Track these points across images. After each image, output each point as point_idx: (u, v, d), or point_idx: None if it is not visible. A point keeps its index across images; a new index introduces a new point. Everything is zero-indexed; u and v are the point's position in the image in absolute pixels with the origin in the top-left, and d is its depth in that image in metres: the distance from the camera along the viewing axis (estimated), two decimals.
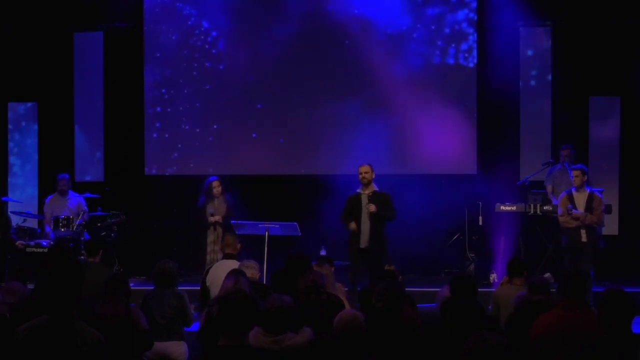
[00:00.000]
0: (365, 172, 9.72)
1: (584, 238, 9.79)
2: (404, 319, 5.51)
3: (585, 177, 9.95)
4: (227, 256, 7.89)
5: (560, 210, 9.98)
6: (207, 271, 7.82)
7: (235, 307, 4.27)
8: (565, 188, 10.28)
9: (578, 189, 9.91)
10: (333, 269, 7.76)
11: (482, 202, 11.20)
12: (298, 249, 9.41)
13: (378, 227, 9.61)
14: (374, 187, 9.78)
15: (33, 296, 6.33)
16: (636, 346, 4.65)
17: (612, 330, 4.82)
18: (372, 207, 9.56)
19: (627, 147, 11.94)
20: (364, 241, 9.59)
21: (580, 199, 9.90)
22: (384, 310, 5.42)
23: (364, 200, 9.68)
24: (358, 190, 9.79)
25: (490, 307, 6.96)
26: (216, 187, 10.40)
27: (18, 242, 10.70)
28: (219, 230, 10.22)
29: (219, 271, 7.39)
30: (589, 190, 9.97)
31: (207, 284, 7.54)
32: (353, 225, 9.60)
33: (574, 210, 9.81)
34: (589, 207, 9.81)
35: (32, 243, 10.77)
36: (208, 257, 10.17)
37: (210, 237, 10.27)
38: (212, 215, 10.28)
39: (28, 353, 4.05)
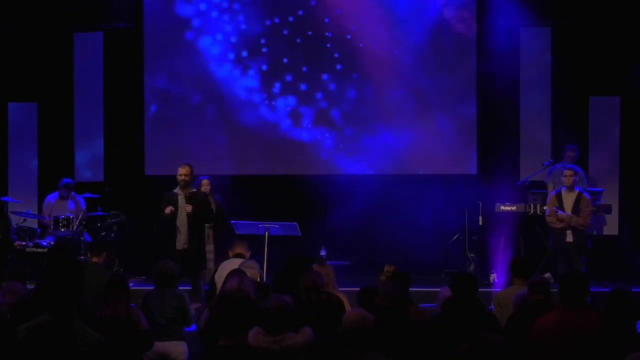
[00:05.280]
0: (185, 175, 9.43)
1: (569, 238, 9.99)
2: (414, 319, 5.52)
3: (577, 178, 10.07)
4: (237, 256, 7.91)
5: (547, 210, 10.16)
6: (216, 269, 7.84)
7: (235, 307, 4.27)
8: None
9: (568, 189, 10.02)
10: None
11: (482, 202, 11.19)
12: (299, 249, 9.41)
13: (196, 228, 9.39)
14: (193, 187, 9.59)
15: (33, 296, 6.32)
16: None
17: (617, 330, 4.82)
18: (189, 207, 9.30)
19: (627, 147, 11.94)
20: (181, 242, 9.31)
21: (569, 199, 10.06)
22: (387, 309, 5.42)
23: (181, 200, 9.38)
24: (175, 191, 9.50)
25: (491, 307, 6.95)
26: (204, 186, 10.25)
27: (17, 243, 10.68)
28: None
29: (227, 270, 7.40)
30: (578, 190, 10.06)
31: (215, 281, 7.55)
32: (170, 208, 9.29)
33: (559, 212, 9.95)
34: (576, 209, 9.93)
35: (31, 243, 10.76)
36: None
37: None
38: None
39: (28, 352, 4.05)
